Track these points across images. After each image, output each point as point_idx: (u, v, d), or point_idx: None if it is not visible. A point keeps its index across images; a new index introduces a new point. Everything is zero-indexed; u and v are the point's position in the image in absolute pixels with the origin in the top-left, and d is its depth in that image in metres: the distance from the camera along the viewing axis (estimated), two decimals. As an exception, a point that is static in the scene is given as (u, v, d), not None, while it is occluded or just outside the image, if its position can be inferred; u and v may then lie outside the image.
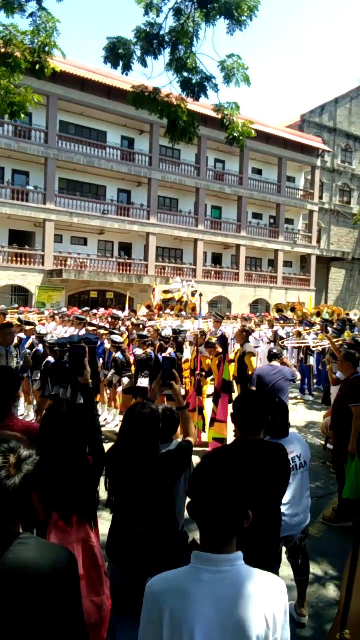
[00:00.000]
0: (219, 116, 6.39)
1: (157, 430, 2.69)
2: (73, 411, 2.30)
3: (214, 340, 7.70)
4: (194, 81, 6.36)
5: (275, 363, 6.55)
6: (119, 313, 13.93)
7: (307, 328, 14.02)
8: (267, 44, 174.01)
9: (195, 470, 1.54)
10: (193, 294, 11.20)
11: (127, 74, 6.10)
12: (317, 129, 36.51)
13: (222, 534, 1.46)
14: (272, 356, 6.66)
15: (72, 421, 2.25)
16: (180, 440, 3.04)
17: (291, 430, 3.71)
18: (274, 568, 2.76)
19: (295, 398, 12.01)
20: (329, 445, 7.38)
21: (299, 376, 11.31)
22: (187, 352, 7.79)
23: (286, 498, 3.26)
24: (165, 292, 18.91)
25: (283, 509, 3.12)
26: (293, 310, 20.90)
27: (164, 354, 7.47)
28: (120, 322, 10.80)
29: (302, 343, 12.69)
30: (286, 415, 3.51)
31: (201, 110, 17.85)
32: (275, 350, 6.80)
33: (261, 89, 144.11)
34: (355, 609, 1.56)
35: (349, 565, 1.54)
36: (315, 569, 4.27)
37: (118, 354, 7.90)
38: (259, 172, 33.59)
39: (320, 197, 36.40)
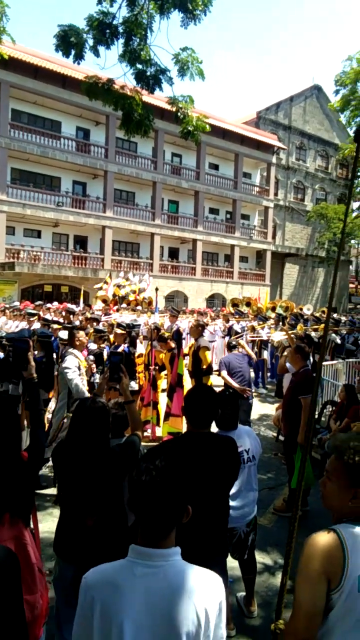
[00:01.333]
0: (174, 109, 6.36)
1: (107, 425, 2.68)
2: (4, 407, 2.23)
3: (167, 334, 7.71)
4: (148, 73, 6.29)
5: (236, 351, 7.36)
6: (74, 307, 13.72)
7: (261, 322, 14.25)
8: (224, 41, 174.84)
9: (136, 466, 1.53)
10: (156, 289, 11.31)
11: (79, 63, 5.96)
12: (272, 126, 37.05)
13: (158, 529, 1.46)
14: (232, 347, 7.47)
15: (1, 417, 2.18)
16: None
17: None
18: (220, 559, 2.80)
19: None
20: (280, 437, 7.55)
21: (254, 357, 12.15)
22: (142, 347, 7.74)
23: (232, 491, 3.30)
24: (118, 286, 18.63)
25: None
26: (248, 304, 21.20)
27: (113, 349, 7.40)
28: (73, 317, 10.64)
29: (257, 337, 12.90)
30: (235, 408, 3.54)
31: (157, 103, 17.76)
32: (233, 342, 7.62)
33: (218, 85, 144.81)
34: (304, 600, 1.59)
35: (285, 558, 1.56)
36: (265, 559, 4.36)
37: (66, 350, 7.78)
38: (216, 167, 33.79)
39: (275, 194, 37.01)
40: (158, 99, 13.84)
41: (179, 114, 6.26)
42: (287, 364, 6.15)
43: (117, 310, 14.83)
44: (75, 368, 5.40)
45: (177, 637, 1.35)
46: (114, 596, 1.38)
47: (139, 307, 15.41)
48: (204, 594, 1.42)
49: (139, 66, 6.36)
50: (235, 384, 6.88)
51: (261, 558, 4.26)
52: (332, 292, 1.86)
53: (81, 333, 5.88)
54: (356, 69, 16.79)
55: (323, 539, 1.61)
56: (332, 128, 41.34)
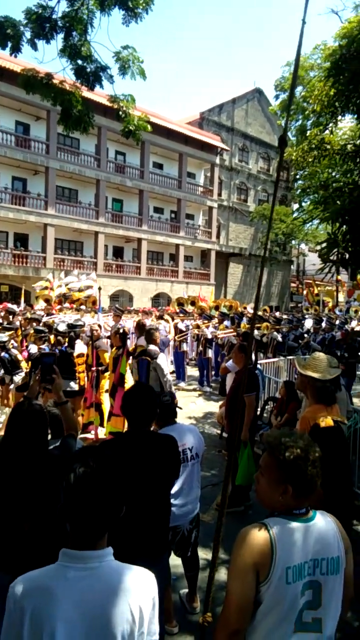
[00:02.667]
0: (115, 106, 6.31)
1: (44, 428, 2.63)
2: None
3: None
4: (88, 70, 6.21)
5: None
6: (14, 307, 13.34)
7: (206, 321, 14.42)
8: (169, 41, 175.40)
9: (67, 467, 1.51)
10: (99, 288, 11.31)
11: (15, 56, 5.79)
12: (215, 127, 37.53)
13: (93, 531, 1.44)
14: (140, 328, 7.88)
15: None
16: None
17: (188, 421, 3.79)
18: (163, 556, 2.81)
19: (194, 390, 12.33)
20: (224, 434, 7.67)
21: (172, 335, 12.92)
22: (83, 347, 7.61)
23: (175, 488, 3.32)
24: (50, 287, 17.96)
25: (171, 499, 3.17)
26: (193, 303, 21.37)
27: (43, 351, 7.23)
28: (14, 317, 10.33)
29: (201, 334, 13.05)
30: (172, 395, 3.57)
31: (101, 100, 17.54)
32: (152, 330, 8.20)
33: (162, 84, 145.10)
34: (234, 593, 1.63)
35: (213, 552, 1.59)
36: (207, 555, 4.40)
37: (3, 354, 7.56)
38: (160, 166, 33.82)
39: (219, 194, 37.54)
40: (101, 95, 13.66)
41: (120, 112, 6.23)
42: (228, 364, 6.25)
43: (60, 310, 14.54)
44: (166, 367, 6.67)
45: (112, 637, 1.35)
46: (46, 603, 1.35)
47: (83, 307, 15.18)
48: (138, 591, 1.44)
49: (79, 62, 6.27)
50: None
51: (204, 554, 4.31)
52: (257, 292, 1.91)
53: (157, 334, 6.89)
54: (295, 75, 17.30)
55: (252, 532, 1.66)
56: (273, 131, 42.41)
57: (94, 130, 25.11)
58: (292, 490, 1.70)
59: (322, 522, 1.76)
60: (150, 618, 1.46)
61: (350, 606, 1.98)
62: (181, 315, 15.76)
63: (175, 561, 3.60)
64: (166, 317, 12.01)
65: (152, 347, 6.75)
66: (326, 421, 2.89)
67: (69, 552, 1.43)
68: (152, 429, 2.95)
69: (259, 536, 1.64)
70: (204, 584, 3.92)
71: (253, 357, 8.75)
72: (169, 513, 2.82)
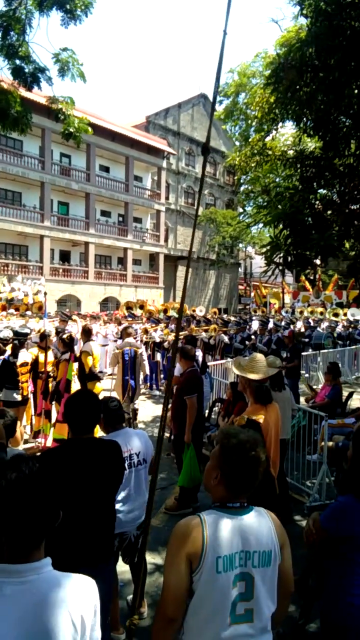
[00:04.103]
0: (54, 107, 6.23)
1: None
2: None
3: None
4: (26, 70, 6.10)
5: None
6: None
7: (154, 325, 14.42)
8: (112, 44, 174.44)
9: None
10: (44, 294, 11.12)
11: None
12: (162, 131, 37.68)
13: (28, 542, 1.40)
14: (86, 333, 8.09)
15: None
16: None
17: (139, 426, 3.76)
18: (108, 563, 2.77)
19: (143, 394, 12.29)
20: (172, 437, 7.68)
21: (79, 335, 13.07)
22: (27, 355, 7.39)
23: (122, 494, 3.29)
24: None
25: (118, 505, 3.14)
26: (142, 307, 21.35)
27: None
28: None
29: (149, 339, 13.04)
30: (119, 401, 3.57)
31: (43, 101, 17.25)
32: (128, 328, 8.77)
33: (107, 87, 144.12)
34: (170, 582, 1.70)
35: (139, 554, 1.60)
36: (156, 559, 4.40)
37: None
38: (107, 169, 33.58)
39: (167, 198, 37.69)
40: (43, 96, 13.45)
41: (59, 115, 6.14)
42: (176, 371, 6.27)
43: (5, 317, 14.14)
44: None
45: None
46: None
47: (28, 312, 14.83)
48: (79, 600, 1.42)
49: (17, 62, 6.14)
50: None
51: (152, 558, 4.31)
52: (183, 295, 1.94)
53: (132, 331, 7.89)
54: (237, 82, 17.73)
55: (185, 524, 1.76)
56: (218, 136, 43.01)
57: (37, 131, 24.66)
58: (220, 477, 1.80)
59: (257, 517, 1.83)
60: (92, 625, 1.45)
61: (292, 601, 2.04)
62: (129, 319, 15.70)
63: (122, 567, 3.58)
64: (74, 317, 12.62)
65: (130, 340, 8.24)
66: (238, 420, 3.04)
67: (4, 567, 1.38)
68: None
69: (191, 526, 1.73)
70: (151, 588, 3.93)
71: (200, 358, 8.83)
72: (114, 519, 2.79)
